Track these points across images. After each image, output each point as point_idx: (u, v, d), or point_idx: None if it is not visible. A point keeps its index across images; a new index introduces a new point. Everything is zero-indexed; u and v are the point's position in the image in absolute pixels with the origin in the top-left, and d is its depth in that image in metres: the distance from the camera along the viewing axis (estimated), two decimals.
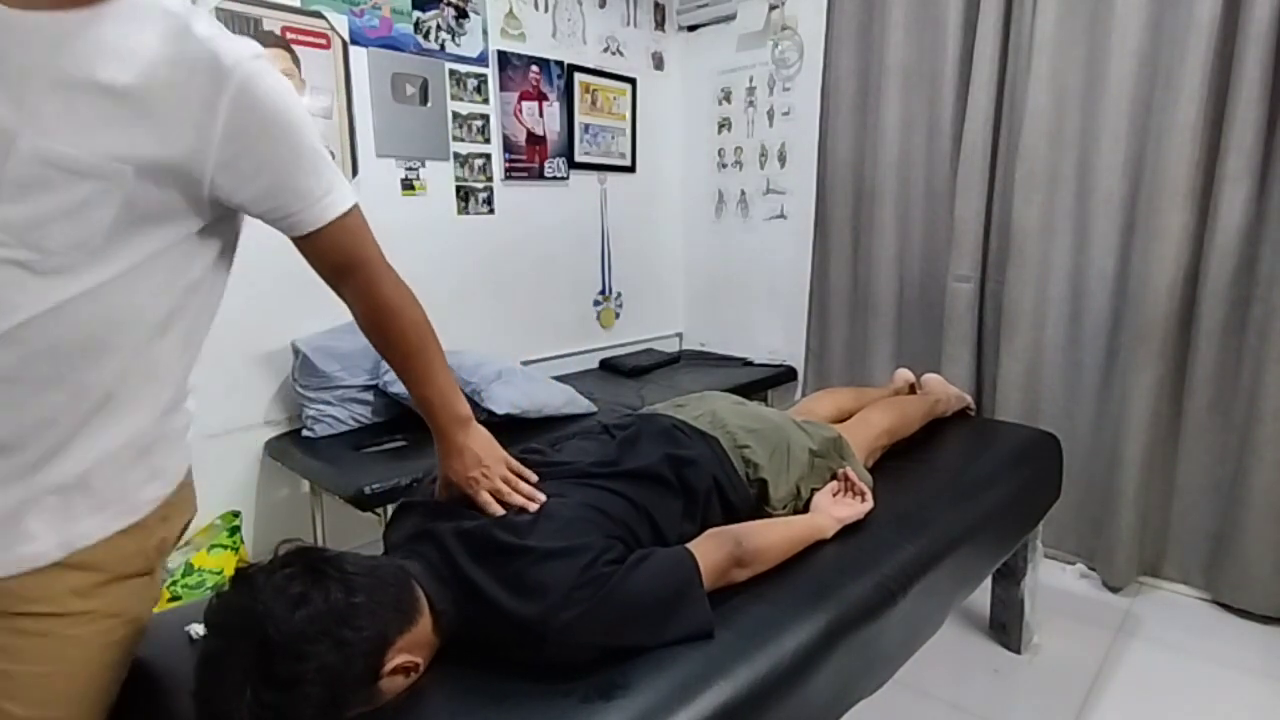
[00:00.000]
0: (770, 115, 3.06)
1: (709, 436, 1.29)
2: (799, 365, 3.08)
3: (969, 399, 2.04)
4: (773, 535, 1.15)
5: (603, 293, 3.15)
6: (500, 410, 2.18)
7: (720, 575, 1.04)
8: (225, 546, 1.91)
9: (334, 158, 2.20)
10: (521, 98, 2.73)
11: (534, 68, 2.75)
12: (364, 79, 2.29)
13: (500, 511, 1.01)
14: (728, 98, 3.19)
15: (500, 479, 1.04)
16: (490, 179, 2.67)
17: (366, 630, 0.79)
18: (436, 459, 1.09)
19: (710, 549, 1.04)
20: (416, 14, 2.40)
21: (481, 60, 2.59)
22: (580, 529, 0.98)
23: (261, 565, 0.81)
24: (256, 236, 2.23)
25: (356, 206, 0.92)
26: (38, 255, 0.69)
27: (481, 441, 1.06)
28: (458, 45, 2.51)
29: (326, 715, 0.77)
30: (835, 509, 1.27)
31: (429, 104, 2.46)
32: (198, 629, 1.00)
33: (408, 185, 2.44)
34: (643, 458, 1.17)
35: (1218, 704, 1.72)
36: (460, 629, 0.91)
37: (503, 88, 2.66)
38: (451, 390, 1.05)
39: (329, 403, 2.15)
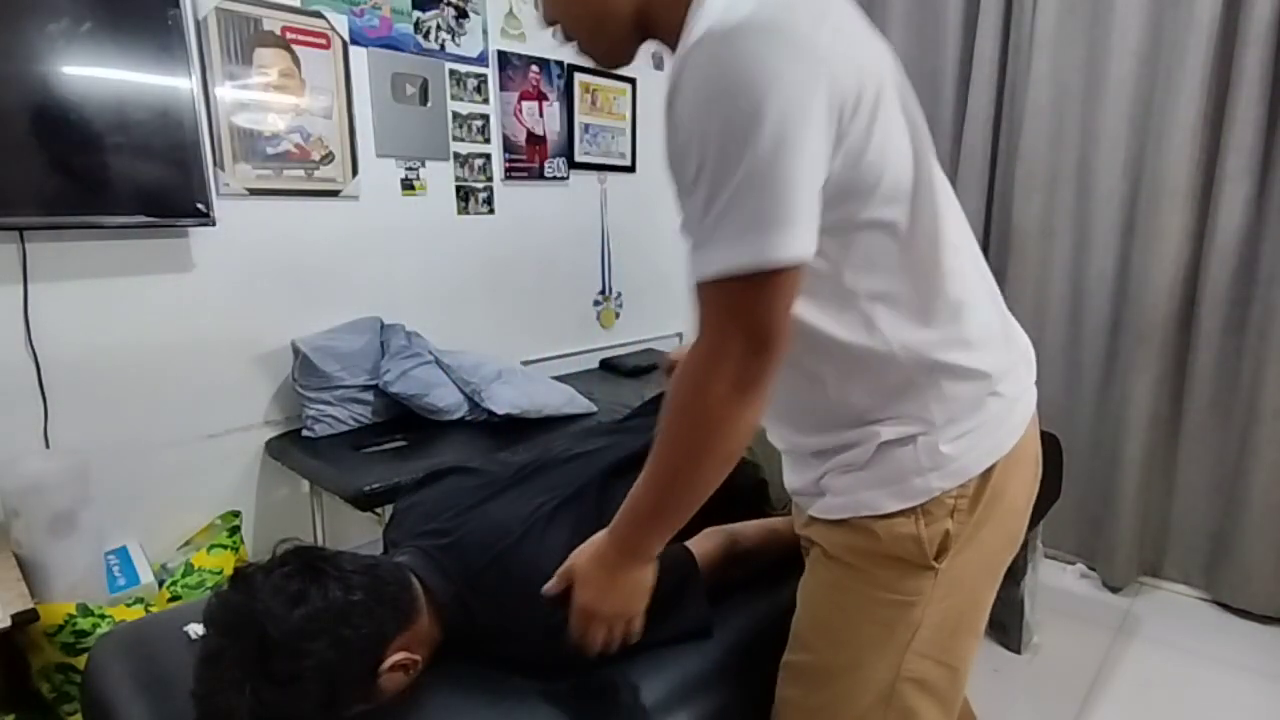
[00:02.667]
0: None
1: None
2: None
3: None
4: (769, 532, 1.16)
5: (603, 293, 3.14)
6: (500, 410, 2.18)
7: (718, 572, 1.04)
8: (225, 546, 1.91)
9: (334, 158, 2.23)
10: (521, 98, 2.72)
11: (534, 68, 2.75)
12: (364, 79, 2.29)
13: (592, 652, 0.86)
14: None
15: (610, 635, 0.86)
16: (490, 179, 2.67)
17: (365, 628, 0.79)
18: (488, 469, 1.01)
19: (708, 547, 1.04)
20: (416, 14, 2.39)
21: (481, 60, 2.59)
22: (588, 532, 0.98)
23: (260, 564, 0.81)
24: (256, 237, 2.24)
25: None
26: None
27: (641, 590, 0.86)
28: (458, 45, 2.51)
29: (325, 713, 0.77)
30: None
31: (429, 104, 2.46)
32: (197, 629, 1.00)
33: (408, 185, 2.44)
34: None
35: (1218, 704, 1.72)
36: (462, 624, 0.91)
37: (503, 88, 2.66)
38: (639, 503, 0.81)
39: (329, 403, 2.15)
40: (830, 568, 0.85)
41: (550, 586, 0.87)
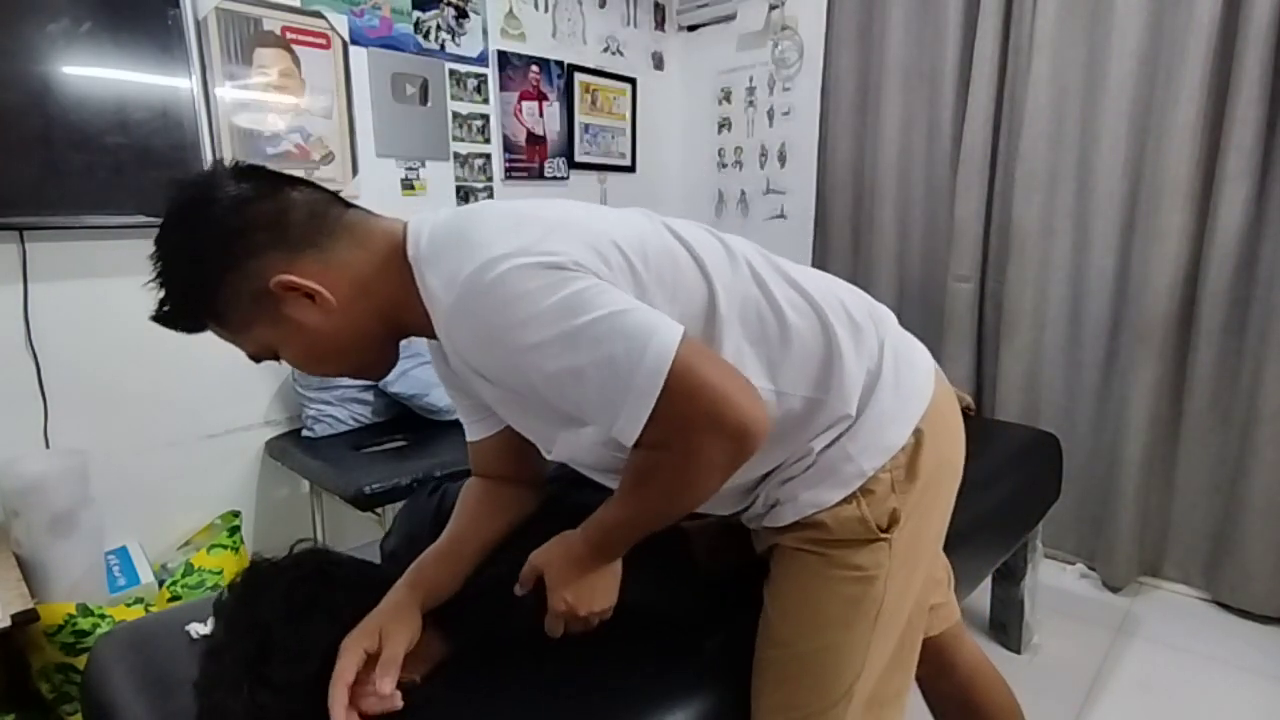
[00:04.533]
0: (770, 115, 3.06)
1: None
2: None
3: (969, 399, 2.04)
4: None
5: None
6: None
7: (713, 553, 1.03)
8: (225, 546, 1.91)
9: (334, 158, 2.23)
10: (521, 98, 2.73)
11: (534, 68, 2.75)
12: (364, 79, 2.29)
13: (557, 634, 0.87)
14: (728, 98, 3.19)
15: (583, 626, 0.86)
16: (490, 179, 2.67)
17: None
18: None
19: (702, 524, 1.03)
20: (416, 14, 2.40)
21: (481, 60, 2.59)
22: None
23: (275, 561, 0.82)
24: None
25: None
26: None
27: (614, 582, 0.87)
28: (458, 45, 2.51)
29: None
30: None
31: (429, 104, 2.46)
32: (198, 629, 1.00)
33: (408, 185, 2.44)
34: None
35: (1218, 704, 1.72)
36: (456, 629, 0.91)
37: (503, 88, 2.66)
38: (616, 522, 0.83)
39: (329, 403, 2.15)
40: (791, 559, 0.89)
41: (522, 586, 0.86)
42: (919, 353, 0.93)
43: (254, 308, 0.75)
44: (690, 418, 0.69)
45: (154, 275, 0.79)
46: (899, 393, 0.86)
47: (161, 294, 0.79)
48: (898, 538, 0.85)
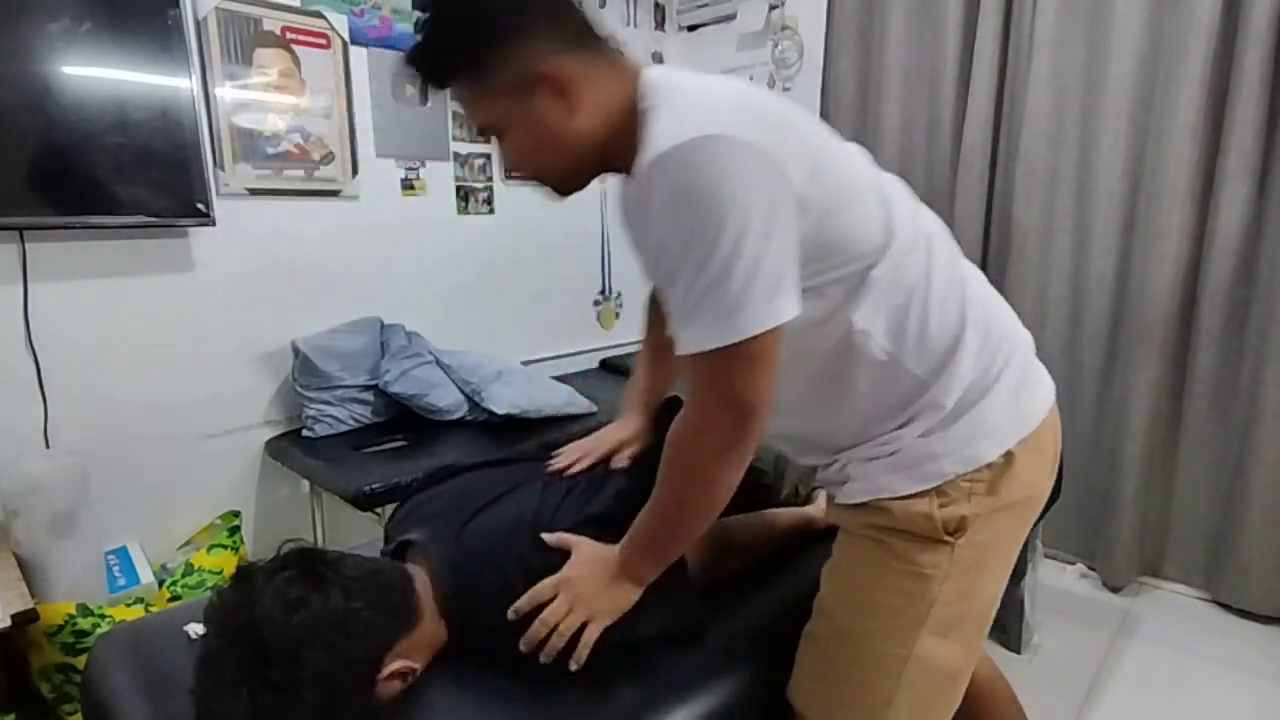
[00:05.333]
0: None
1: None
2: None
3: None
4: (761, 526, 1.16)
5: (603, 293, 3.14)
6: (500, 410, 2.18)
7: (708, 566, 1.03)
8: (225, 546, 1.91)
9: (334, 158, 2.23)
10: None
11: None
12: (364, 79, 2.29)
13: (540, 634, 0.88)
14: None
15: (563, 630, 0.87)
16: (490, 179, 2.67)
17: (363, 638, 0.79)
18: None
19: (698, 541, 1.03)
20: (416, 14, 2.39)
21: None
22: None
23: (262, 565, 0.81)
24: (256, 237, 2.24)
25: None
26: None
27: (620, 603, 0.90)
28: None
29: (322, 718, 0.77)
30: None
31: (429, 104, 2.46)
32: (197, 629, 1.00)
33: (408, 185, 2.44)
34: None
35: (1218, 704, 1.72)
36: (462, 619, 0.91)
37: None
38: (641, 541, 0.90)
39: (329, 403, 2.15)
40: (853, 543, 0.93)
41: (532, 601, 0.88)
42: (1042, 385, 0.97)
43: (513, 84, 0.80)
44: (727, 382, 0.77)
45: (428, 18, 0.82)
46: (1005, 412, 0.88)
47: (433, 36, 0.82)
48: (962, 545, 0.87)
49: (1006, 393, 0.89)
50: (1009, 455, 0.87)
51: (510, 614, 0.87)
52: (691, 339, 0.76)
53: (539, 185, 0.90)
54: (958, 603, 0.89)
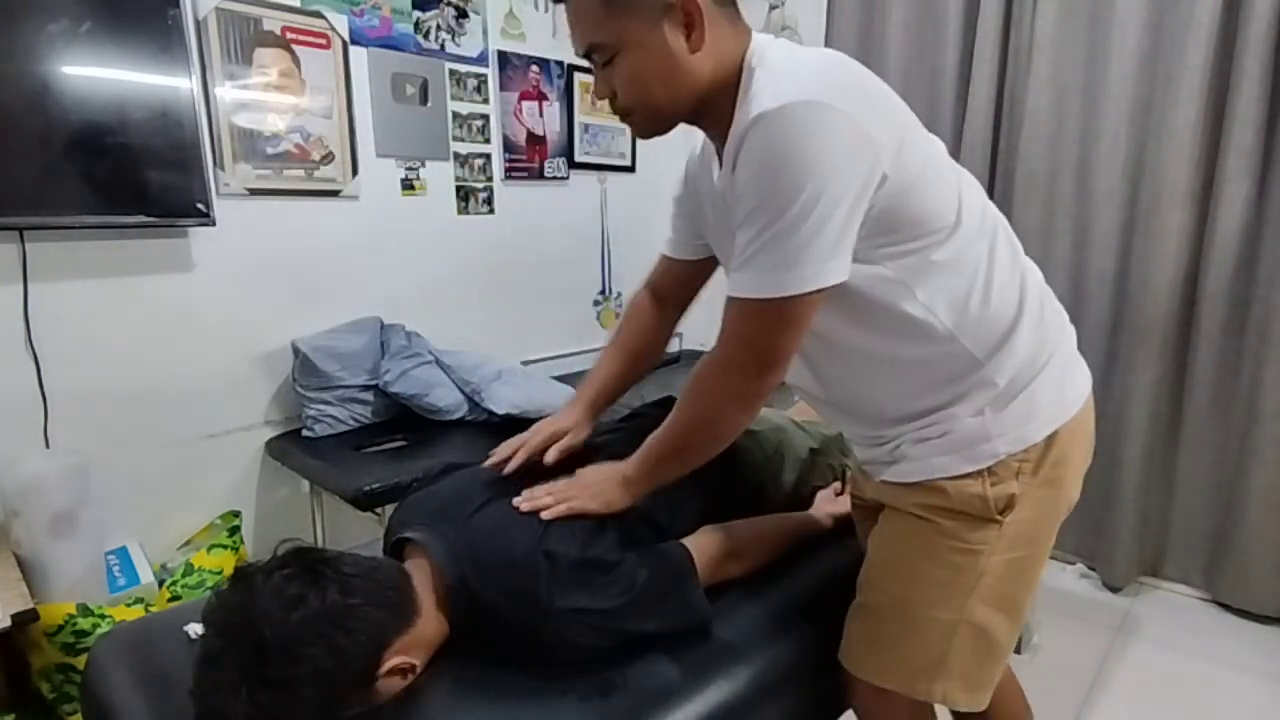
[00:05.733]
0: None
1: None
2: None
3: None
4: (765, 529, 1.17)
5: (603, 293, 3.14)
6: (500, 410, 2.18)
7: (715, 569, 1.05)
8: (225, 546, 1.91)
9: (334, 158, 2.23)
10: (521, 98, 2.72)
11: (534, 68, 2.75)
12: (364, 79, 2.29)
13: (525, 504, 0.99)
14: None
15: (555, 493, 1.00)
16: (490, 179, 2.67)
17: (362, 634, 0.79)
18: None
19: (704, 544, 1.05)
20: (416, 14, 2.39)
21: (481, 60, 2.59)
22: (593, 528, 0.99)
23: (260, 565, 0.81)
24: (256, 237, 2.24)
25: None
26: None
27: (617, 497, 1.01)
28: (458, 45, 2.51)
29: (322, 716, 0.77)
30: (830, 505, 1.29)
31: (429, 104, 2.46)
32: (197, 629, 1.00)
33: (408, 185, 2.44)
34: None
35: (1218, 704, 1.72)
36: (466, 612, 0.91)
37: (503, 88, 2.66)
38: (650, 454, 1.00)
39: (329, 403, 2.15)
40: (903, 519, 0.97)
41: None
42: (1082, 371, 1.00)
43: (647, 4, 0.81)
44: (757, 335, 0.84)
45: None
46: (1052, 395, 0.92)
47: None
48: (1010, 522, 0.91)
49: (1055, 377, 0.93)
50: (1053, 436, 0.91)
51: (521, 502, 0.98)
52: (742, 284, 0.81)
53: (626, 119, 0.90)
54: (1004, 574, 0.93)
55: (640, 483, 1.00)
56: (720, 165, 0.90)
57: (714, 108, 0.86)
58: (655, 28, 0.81)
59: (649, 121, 0.90)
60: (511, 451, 1.11)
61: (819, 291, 0.79)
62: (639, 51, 0.83)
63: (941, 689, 0.95)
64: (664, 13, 0.81)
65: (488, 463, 1.13)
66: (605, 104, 0.91)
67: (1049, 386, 0.92)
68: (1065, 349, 0.97)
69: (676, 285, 1.21)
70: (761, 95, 0.78)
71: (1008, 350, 0.89)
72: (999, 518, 0.91)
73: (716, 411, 0.92)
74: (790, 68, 0.81)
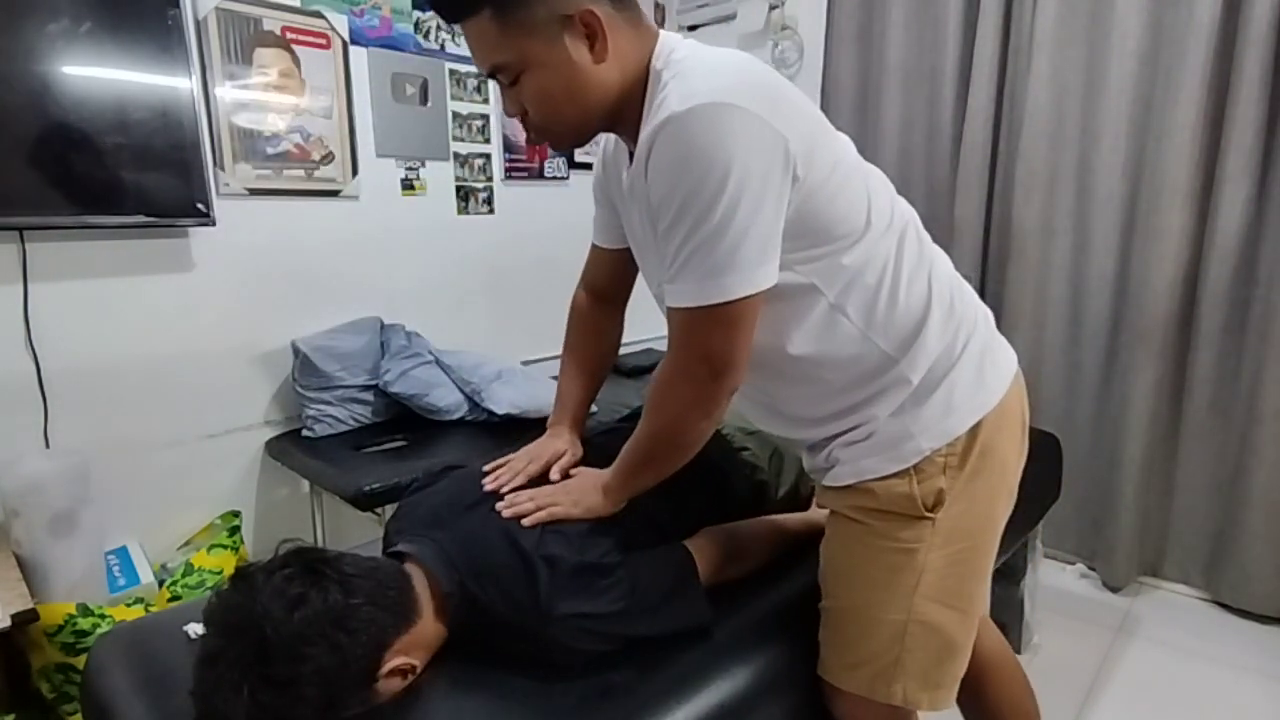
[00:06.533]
0: None
1: None
2: None
3: None
4: (765, 530, 1.16)
5: None
6: (500, 410, 2.18)
7: (716, 571, 1.05)
8: (225, 546, 1.91)
9: (334, 158, 2.23)
10: None
11: None
12: (364, 79, 2.29)
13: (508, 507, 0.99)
14: None
15: (537, 498, 1.00)
16: (490, 179, 2.67)
17: (364, 633, 0.79)
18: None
19: (705, 546, 1.05)
20: (416, 14, 2.39)
21: None
22: (590, 531, 0.99)
23: (261, 564, 0.81)
24: (256, 237, 2.24)
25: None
26: None
27: (595, 507, 1.00)
28: (458, 45, 2.51)
29: (323, 716, 0.77)
30: None
31: (429, 104, 2.46)
32: (197, 629, 1.00)
33: (408, 185, 2.44)
34: None
35: (1218, 704, 1.72)
36: (465, 617, 0.91)
37: None
38: (624, 464, 0.99)
39: (329, 403, 2.15)
40: (842, 524, 0.99)
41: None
42: (1005, 356, 1.00)
43: (545, 21, 0.79)
44: (706, 342, 0.82)
45: None
46: (970, 386, 0.92)
47: None
48: (942, 518, 0.92)
49: (971, 367, 0.93)
50: (976, 427, 0.92)
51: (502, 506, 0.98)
52: (678, 294, 0.81)
53: (541, 137, 0.89)
54: (946, 570, 0.93)
55: (619, 491, 0.99)
56: (630, 163, 0.89)
57: (625, 113, 0.86)
58: (556, 43, 0.80)
59: (564, 136, 0.90)
60: (512, 475, 1.07)
61: (760, 292, 0.79)
62: (543, 69, 0.81)
63: (900, 690, 0.95)
64: (563, 27, 0.79)
65: (489, 487, 1.08)
66: None
67: (966, 378, 0.92)
68: (981, 337, 0.96)
69: (614, 281, 1.20)
70: (669, 98, 0.76)
71: (919, 346, 0.90)
72: (929, 514, 0.91)
73: (678, 421, 0.90)
74: (696, 68, 0.80)
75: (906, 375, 0.90)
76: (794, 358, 0.91)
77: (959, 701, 1.20)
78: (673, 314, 0.83)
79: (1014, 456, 0.99)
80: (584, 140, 0.90)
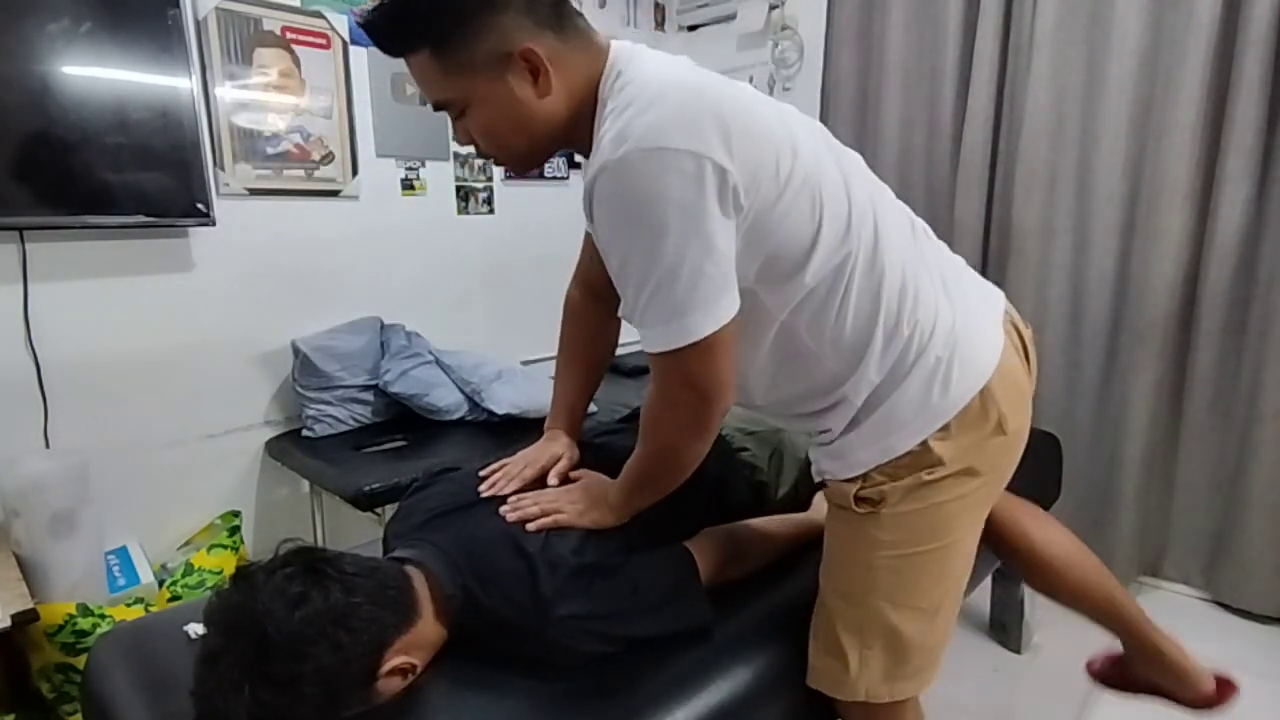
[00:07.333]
0: None
1: None
2: None
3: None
4: (766, 531, 1.16)
5: None
6: (500, 410, 2.18)
7: (717, 572, 1.05)
8: (225, 546, 1.91)
9: (334, 158, 2.23)
10: None
11: None
12: (364, 79, 2.29)
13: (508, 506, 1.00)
14: None
15: (541, 504, 1.00)
16: (490, 179, 2.67)
17: (364, 632, 0.79)
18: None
19: (706, 547, 1.05)
20: None
21: None
22: (591, 532, 0.99)
23: (262, 564, 0.81)
24: (256, 237, 2.24)
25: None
26: None
27: (599, 520, 1.01)
28: None
29: (323, 715, 0.77)
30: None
31: (429, 104, 2.46)
32: (197, 628, 1.00)
33: (408, 185, 2.44)
34: None
35: None
36: (467, 618, 0.91)
37: None
38: (626, 483, 1.00)
39: (329, 403, 2.15)
40: (829, 511, 1.02)
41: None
42: (971, 370, 0.91)
43: (485, 60, 0.79)
44: (685, 376, 0.82)
45: None
46: (915, 406, 0.90)
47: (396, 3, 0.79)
48: (887, 514, 0.92)
49: (918, 386, 0.89)
50: (925, 444, 0.90)
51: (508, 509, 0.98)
52: (650, 340, 0.81)
53: (493, 162, 0.91)
54: (899, 569, 0.94)
55: (622, 508, 1.00)
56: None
57: (578, 133, 0.86)
58: (499, 81, 0.80)
59: (515, 163, 0.91)
60: (508, 480, 1.07)
61: (730, 321, 0.79)
62: (487, 106, 0.82)
63: (864, 686, 0.95)
64: (505, 65, 0.79)
65: (485, 492, 1.08)
66: None
67: (911, 397, 0.89)
68: (935, 352, 0.89)
69: (606, 276, 1.18)
70: (604, 139, 0.76)
71: (862, 370, 0.89)
72: (871, 510, 0.93)
73: (672, 445, 0.91)
74: (635, 98, 0.77)
75: (850, 396, 0.91)
76: (756, 370, 0.93)
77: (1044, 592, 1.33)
78: (650, 358, 0.83)
79: (986, 459, 0.94)
80: (537, 164, 0.92)
